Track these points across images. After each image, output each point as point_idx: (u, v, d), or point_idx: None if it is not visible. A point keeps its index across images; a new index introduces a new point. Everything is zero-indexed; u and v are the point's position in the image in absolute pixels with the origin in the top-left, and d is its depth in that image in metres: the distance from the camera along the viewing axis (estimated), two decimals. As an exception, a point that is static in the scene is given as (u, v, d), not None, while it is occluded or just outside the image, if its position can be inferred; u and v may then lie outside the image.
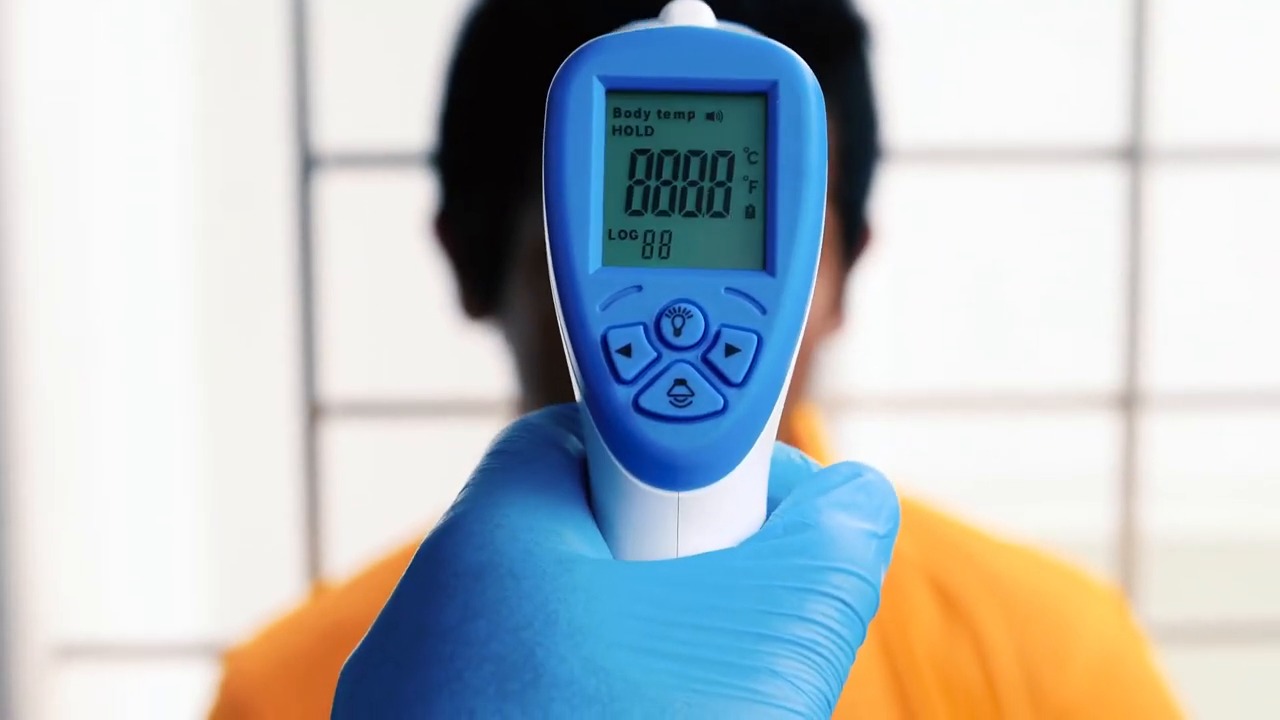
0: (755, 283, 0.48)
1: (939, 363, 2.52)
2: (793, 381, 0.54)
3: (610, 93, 0.49)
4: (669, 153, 0.49)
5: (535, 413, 0.52)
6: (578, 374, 0.49)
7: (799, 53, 0.49)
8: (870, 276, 1.22)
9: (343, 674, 0.48)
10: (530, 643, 0.46)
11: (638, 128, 0.49)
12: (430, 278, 1.44)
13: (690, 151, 0.49)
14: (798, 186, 0.49)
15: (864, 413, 2.19)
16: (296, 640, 1.15)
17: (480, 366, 1.60)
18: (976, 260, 2.51)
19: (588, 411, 0.49)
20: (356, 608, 1.13)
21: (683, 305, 0.48)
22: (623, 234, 0.49)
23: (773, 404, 0.49)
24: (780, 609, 0.47)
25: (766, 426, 0.49)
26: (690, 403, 0.48)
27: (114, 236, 1.81)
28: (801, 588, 0.47)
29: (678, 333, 0.48)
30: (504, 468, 0.50)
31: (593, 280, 0.49)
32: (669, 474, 0.48)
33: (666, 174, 0.49)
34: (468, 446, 1.00)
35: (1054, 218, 2.46)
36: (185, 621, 2.00)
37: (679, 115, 0.49)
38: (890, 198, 1.23)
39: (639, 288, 0.49)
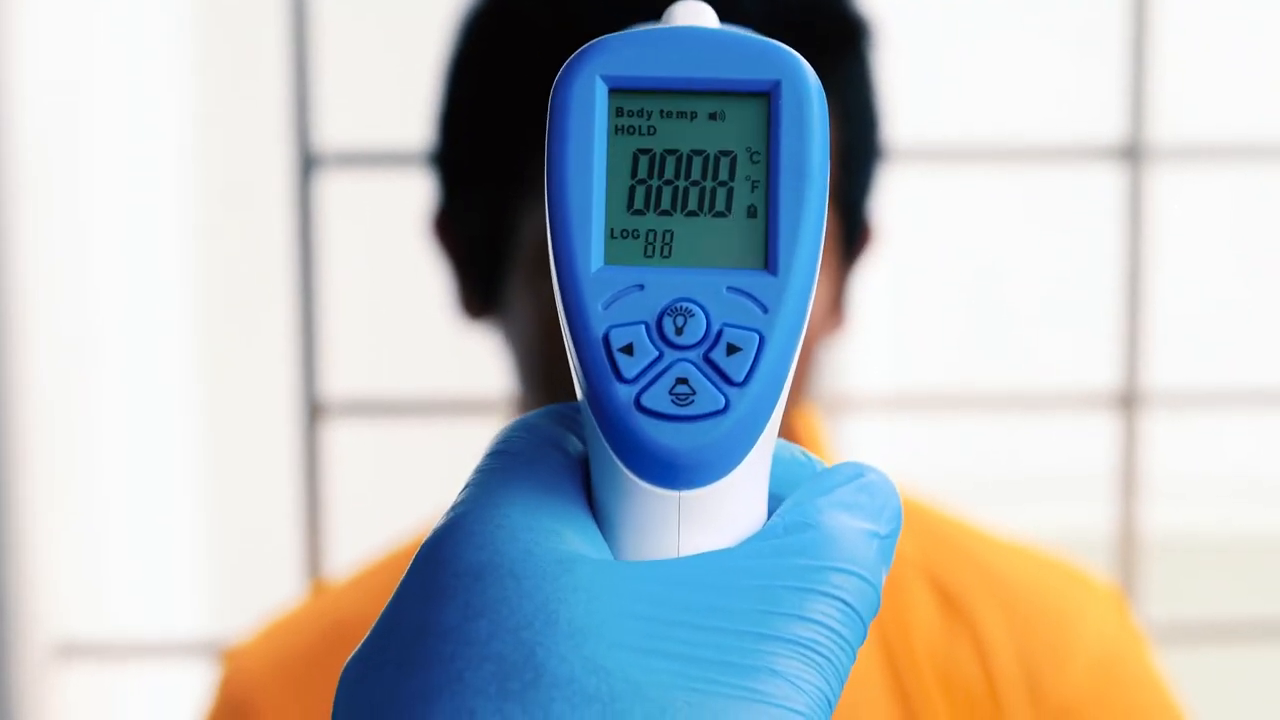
0: (757, 282, 0.48)
1: (939, 362, 2.52)
2: (793, 381, 0.54)
3: (613, 92, 0.49)
4: (671, 152, 0.49)
5: (534, 412, 0.52)
6: (579, 373, 0.49)
7: (799, 52, 0.50)
8: (870, 276, 1.22)
9: (344, 674, 0.48)
10: (531, 643, 0.46)
11: (640, 127, 0.49)
12: (430, 277, 1.44)
13: (693, 151, 0.49)
14: (800, 186, 0.49)
15: (864, 412, 2.19)
16: (296, 639, 1.15)
17: (480, 366, 1.60)
18: (976, 260, 2.51)
19: (589, 410, 0.49)
20: (356, 607, 1.13)
21: (684, 304, 0.48)
22: (625, 233, 0.49)
23: (774, 403, 0.49)
24: (781, 609, 0.47)
25: (768, 426, 0.49)
26: (692, 402, 0.48)
27: (114, 236, 1.81)
28: (802, 587, 0.48)
29: (679, 332, 0.48)
30: (504, 468, 0.50)
31: (595, 279, 0.49)
32: (670, 473, 0.48)
33: (669, 173, 0.49)
34: (468, 446, 1.00)
35: (1054, 217, 2.46)
36: (185, 621, 2.00)
37: (681, 115, 0.49)
38: (890, 197, 1.23)
39: (641, 287, 0.49)
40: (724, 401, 0.48)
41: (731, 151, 0.49)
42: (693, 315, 0.48)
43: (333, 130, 1.66)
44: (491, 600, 0.47)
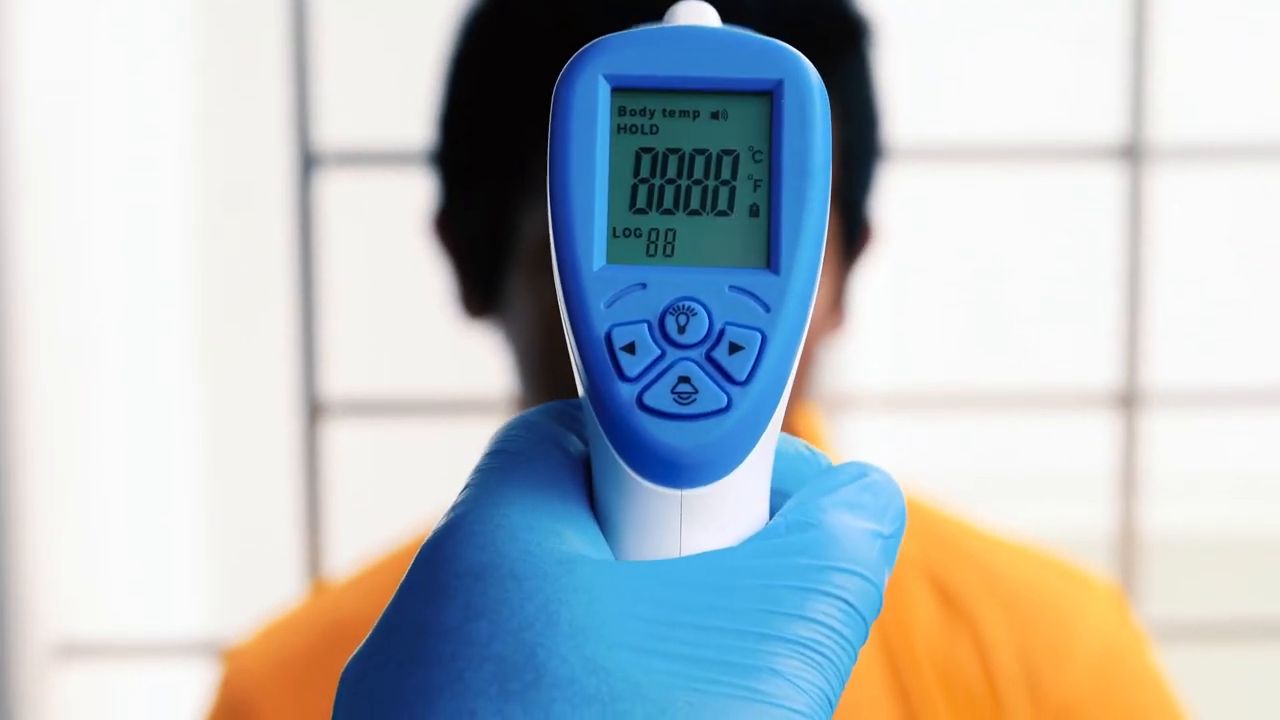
0: (759, 281, 0.48)
1: (939, 361, 2.52)
2: (795, 380, 0.54)
3: (615, 91, 0.49)
4: (674, 151, 0.49)
5: (533, 409, 0.52)
6: (581, 371, 0.49)
7: (800, 51, 0.50)
8: (870, 275, 1.22)
9: (344, 674, 0.48)
10: (532, 643, 0.46)
11: (643, 126, 0.49)
12: (430, 276, 1.44)
13: (695, 150, 0.49)
14: (802, 185, 0.49)
15: (864, 411, 2.19)
16: (296, 639, 1.15)
17: (480, 365, 1.60)
18: (976, 258, 2.51)
19: (591, 409, 0.49)
20: (356, 607, 1.13)
21: (687, 303, 0.48)
22: (627, 232, 0.49)
23: (776, 402, 0.49)
24: (782, 608, 0.47)
25: (770, 424, 0.49)
26: (694, 400, 0.48)
27: (114, 236, 1.81)
28: (804, 587, 0.47)
29: (682, 330, 0.48)
30: (504, 467, 0.50)
31: (597, 278, 0.49)
32: (672, 471, 0.48)
33: (671, 172, 0.49)
34: (468, 446, 1.00)
35: (1054, 216, 2.46)
36: (185, 620, 2.00)
37: (684, 114, 0.49)
38: (890, 196, 1.23)
39: (643, 285, 0.49)
40: (726, 400, 0.48)
41: (734, 150, 0.49)
42: (695, 314, 0.48)
43: (333, 130, 1.66)
44: (492, 601, 0.47)
